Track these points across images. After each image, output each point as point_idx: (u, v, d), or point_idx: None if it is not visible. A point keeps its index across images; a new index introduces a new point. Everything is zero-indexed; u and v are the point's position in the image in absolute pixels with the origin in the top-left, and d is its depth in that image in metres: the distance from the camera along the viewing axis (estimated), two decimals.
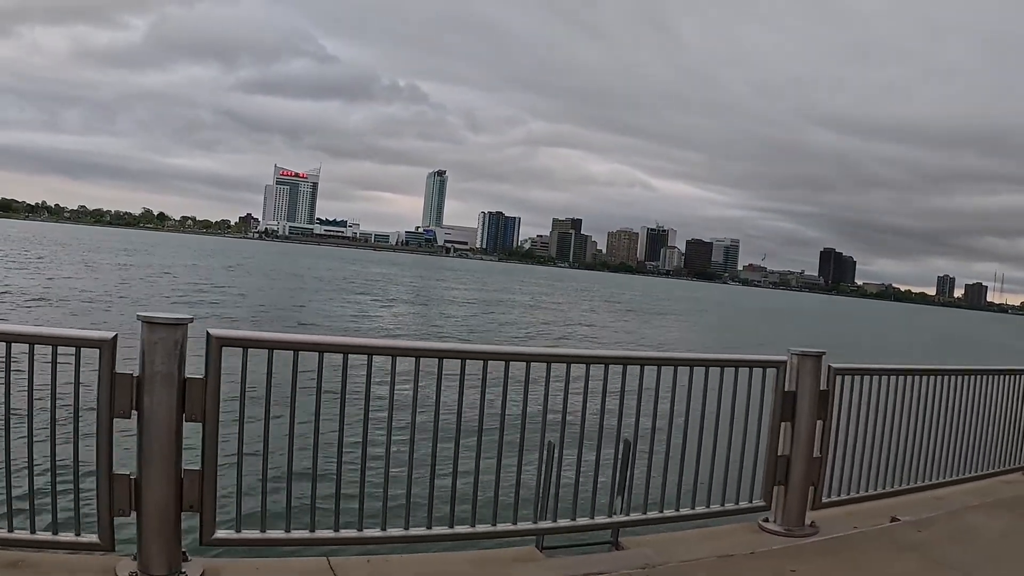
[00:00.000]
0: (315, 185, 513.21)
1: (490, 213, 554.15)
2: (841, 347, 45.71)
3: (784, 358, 6.85)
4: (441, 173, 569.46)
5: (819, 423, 6.94)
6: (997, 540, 7.02)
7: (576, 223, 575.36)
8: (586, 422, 6.06)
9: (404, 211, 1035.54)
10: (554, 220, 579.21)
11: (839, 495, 7.36)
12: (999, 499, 8.23)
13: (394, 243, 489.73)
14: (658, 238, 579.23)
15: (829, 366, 7.00)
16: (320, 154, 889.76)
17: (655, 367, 6.45)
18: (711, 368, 6.67)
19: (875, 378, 7.50)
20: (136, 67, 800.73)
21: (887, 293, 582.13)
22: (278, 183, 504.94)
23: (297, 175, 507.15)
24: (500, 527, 5.86)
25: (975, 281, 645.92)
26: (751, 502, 6.86)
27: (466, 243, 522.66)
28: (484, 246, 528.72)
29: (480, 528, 5.79)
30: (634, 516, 6.42)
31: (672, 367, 6.49)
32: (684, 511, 6.65)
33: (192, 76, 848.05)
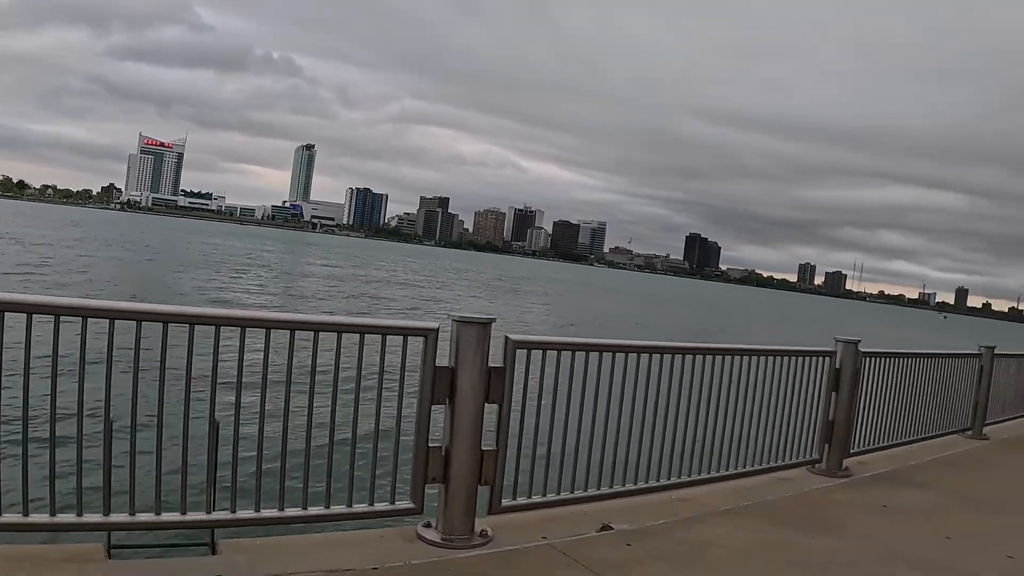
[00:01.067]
0: (181, 155, 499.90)
1: (358, 189, 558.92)
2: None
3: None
4: (310, 147, 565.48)
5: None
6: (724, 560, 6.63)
7: (444, 202, 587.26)
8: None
9: (272, 185, 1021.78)
10: (422, 198, 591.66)
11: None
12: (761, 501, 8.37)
13: (260, 217, 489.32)
14: (526, 219, 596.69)
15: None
16: (189, 125, 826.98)
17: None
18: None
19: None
20: (4, 29, 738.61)
21: (750, 278, 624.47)
22: (142, 152, 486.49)
23: (162, 144, 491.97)
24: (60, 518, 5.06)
25: (835, 269, 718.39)
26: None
27: (333, 219, 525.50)
28: (351, 222, 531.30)
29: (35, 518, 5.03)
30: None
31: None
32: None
33: (62, 40, 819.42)
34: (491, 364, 6.23)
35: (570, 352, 6.92)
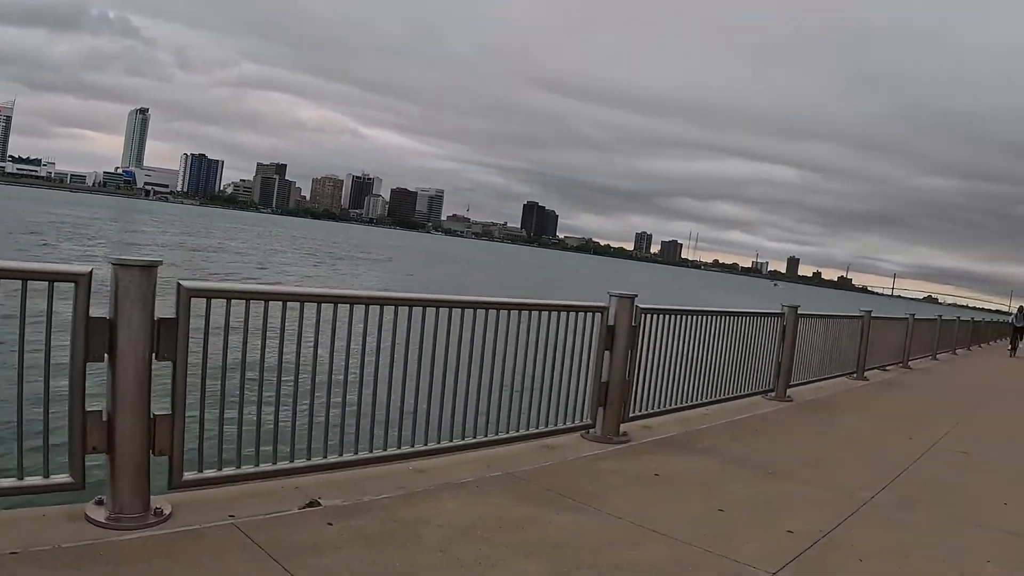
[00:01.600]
0: (8, 119, 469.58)
1: (193, 155, 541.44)
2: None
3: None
4: (143, 111, 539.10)
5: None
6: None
7: (281, 168, 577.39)
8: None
9: (105, 151, 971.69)
10: (259, 164, 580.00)
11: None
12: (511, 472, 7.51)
13: (91, 184, 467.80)
14: (364, 186, 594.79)
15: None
16: (18, 87, 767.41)
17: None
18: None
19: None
20: None
21: (587, 247, 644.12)
22: None
23: None
24: None
25: (671, 239, 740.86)
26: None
27: (167, 186, 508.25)
28: (186, 190, 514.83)
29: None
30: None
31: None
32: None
33: None
34: (163, 316, 5.29)
35: (262, 302, 5.95)
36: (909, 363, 22.97)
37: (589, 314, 8.89)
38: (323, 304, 6.33)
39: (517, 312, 8.06)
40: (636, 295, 9.22)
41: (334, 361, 6.42)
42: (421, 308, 7.06)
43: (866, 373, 18.60)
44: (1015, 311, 39.32)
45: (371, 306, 6.68)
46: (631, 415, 9.53)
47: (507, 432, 8.08)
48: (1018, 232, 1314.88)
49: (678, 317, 10.31)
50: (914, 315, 23.78)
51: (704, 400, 11.34)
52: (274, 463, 6.15)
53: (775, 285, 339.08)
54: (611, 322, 8.98)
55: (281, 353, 6.03)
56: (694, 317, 10.70)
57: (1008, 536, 7.23)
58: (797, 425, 11.76)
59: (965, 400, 17.45)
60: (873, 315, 18.73)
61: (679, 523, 6.55)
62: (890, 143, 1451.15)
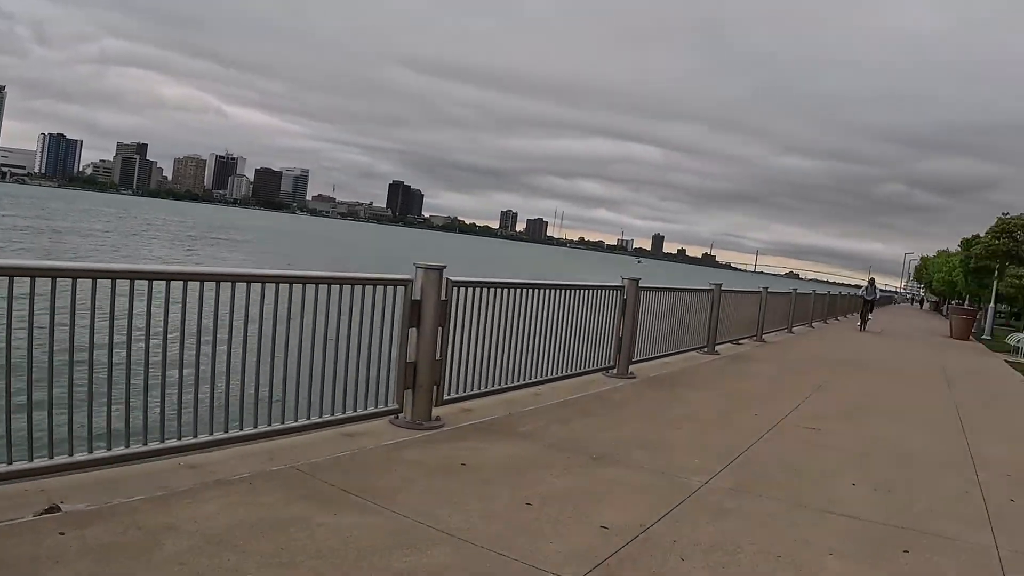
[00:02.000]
0: None
1: (51, 135, 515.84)
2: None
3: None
4: None
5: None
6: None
7: (142, 148, 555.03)
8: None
9: None
10: (119, 144, 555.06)
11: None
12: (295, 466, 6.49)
13: None
14: (227, 166, 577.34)
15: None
16: None
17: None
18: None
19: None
20: None
21: (452, 225, 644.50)
22: None
23: None
24: None
25: (537, 217, 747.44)
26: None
27: (24, 167, 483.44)
28: (43, 171, 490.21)
29: None
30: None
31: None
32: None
33: None
34: None
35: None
36: (763, 336, 23.05)
37: (393, 288, 8.03)
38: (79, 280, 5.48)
39: (315, 287, 7.21)
40: (445, 266, 8.39)
41: (94, 343, 5.57)
42: (198, 283, 6.29)
43: (717, 347, 18.21)
44: (866, 283, 38.43)
45: (137, 281, 5.88)
46: (446, 398, 8.74)
47: (305, 419, 7.27)
48: (877, 211, 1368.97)
49: (503, 291, 9.52)
50: (767, 288, 23.60)
51: (536, 379, 10.58)
52: (9, 463, 5.26)
53: (639, 262, 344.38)
54: (416, 296, 8.13)
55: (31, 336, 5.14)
56: (520, 291, 9.91)
57: (854, 523, 6.60)
58: (635, 404, 11.02)
59: (818, 373, 17.10)
60: (724, 288, 18.36)
61: (477, 521, 5.71)
62: (752, 123, 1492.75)
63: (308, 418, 7.27)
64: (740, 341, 20.74)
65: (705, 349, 17.50)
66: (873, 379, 17.57)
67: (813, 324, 32.89)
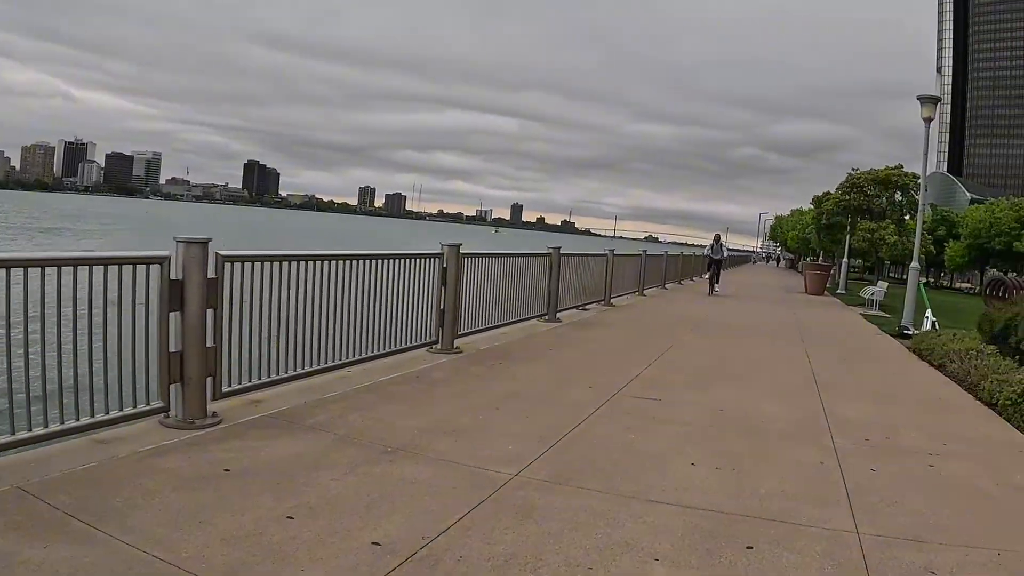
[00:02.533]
0: None
1: None
2: None
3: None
4: None
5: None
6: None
7: None
8: None
9: None
10: None
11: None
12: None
13: None
14: (77, 152, 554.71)
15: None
16: None
17: None
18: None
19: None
20: None
21: (310, 204, 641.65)
22: None
23: None
24: None
25: (395, 191, 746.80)
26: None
27: None
28: None
29: None
30: None
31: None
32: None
33: None
34: None
35: None
36: (612, 300, 22.25)
37: (146, 267, 6.76)
38: None
39: (56, 271, 6.00)
40: (210, 239, 7.22)
41: None
42: None
43: (560, 314, 17.34)
44: (711, 240, 34.81)
45: None
46: (227, 389, 7.62)
47: (43, 427, 5.97)
48: (732, 174, 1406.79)
49: (291, 264, 8.34)
50: (613, 251, 22.68)
51: (347, 360, 9.54)
52: None
53: (496, 231, 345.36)
54: (177, 275, 6.92)
55: None
56: (314, 263, 8.72)
57: (689, 515, 5.70)
58: (454, 382, 9.90)
59: (665, 337, 16.30)
60: (566, 252, 17.50)
61: (217, 546, 4.61)
62: (606, 92, 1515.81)
63: (46, 426, 5.98)
64: (587, 307, 20.08)
65: (546, 317, 16.63)
66: (724, 341, 16.96)
67: (667, 286, 32.46)
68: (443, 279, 11.64)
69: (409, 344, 11.05)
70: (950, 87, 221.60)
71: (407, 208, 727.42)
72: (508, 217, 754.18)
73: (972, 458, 7.99)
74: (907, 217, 42.77)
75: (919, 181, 42.55)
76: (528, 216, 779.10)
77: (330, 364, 9.19)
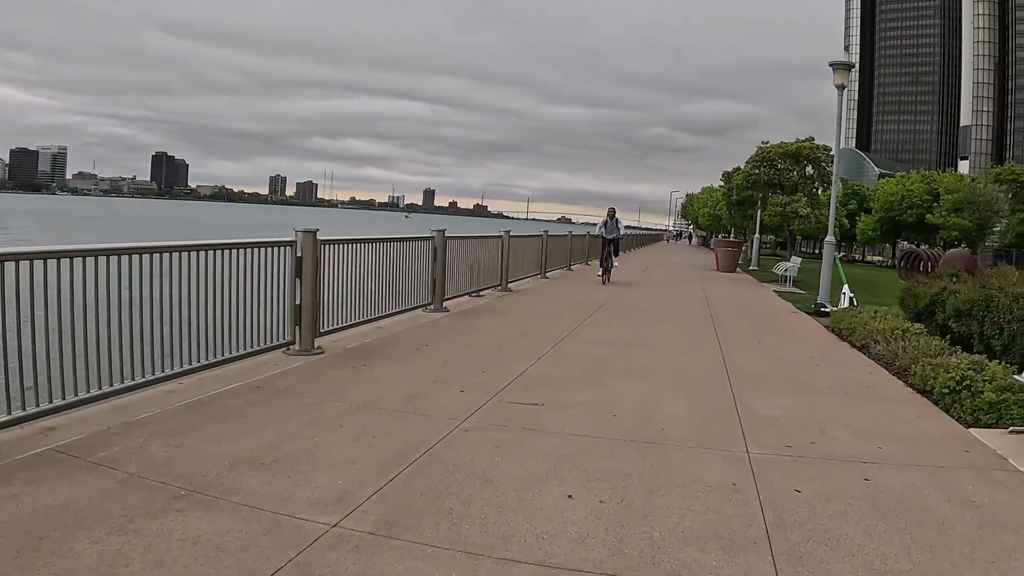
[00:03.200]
0: None
1: None
2: None
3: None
4: None
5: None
6: None
7: None
8: None
9: None
10: None
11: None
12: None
13: None
14: None
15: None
16: None
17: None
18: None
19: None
20: None
21: (221, 194, 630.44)
22: None
23: None
24: None
25: (307, 180, 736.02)
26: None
27: None
28: None
29: None
30: None
31: None
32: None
33: None
34: None
35: None
36: (509, 285, 20.93)
37: None
38: None
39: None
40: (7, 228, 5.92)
41: None
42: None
43: (449, 302, 15.89)
44: (604, 217, 28.56)
45: None
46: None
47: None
48: (642, 154, 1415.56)
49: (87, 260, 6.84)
50: (509, 232, 21.15)
51: (180, 369, 8.16)
52: None
53: (407, 217, 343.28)
54: None
55: None
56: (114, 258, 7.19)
57: None
58: (303, 391, 8.32)
59: (560, 324, 14.91)
60: (453, 235, 16.12)
61: None
62: (517, 75, 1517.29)
63: None
64: (481, 293, 18.65)
65: (431, 306, 15.09)
66: (627, 327, 15.63)
67: (572, 267, 31.04)
68: (297, 270, 10.14)
69: (262, 346, 9.59)
70: (858, 64, 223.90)
71: (319, 196, 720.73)
72: (421, 203, 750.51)
73: (914, 465, 6.73)
74: (819, 190, 42.29)
75: (831, 153, 41.88)
76: (441, 201, 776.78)
77: (154, 377, 7.70)
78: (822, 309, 19.51)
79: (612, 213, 28.15)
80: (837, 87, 21.12)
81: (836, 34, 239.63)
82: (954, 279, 14.23)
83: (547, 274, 25.82)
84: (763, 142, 43.91)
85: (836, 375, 11.00)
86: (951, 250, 43.77)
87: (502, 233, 20.53)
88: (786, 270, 30.94)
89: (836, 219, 33.95)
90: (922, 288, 14.57)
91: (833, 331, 15.62)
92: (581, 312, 16.98)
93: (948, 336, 12.47)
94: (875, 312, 15.40)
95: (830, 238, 21.40)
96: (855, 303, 19.63)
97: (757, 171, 42.74)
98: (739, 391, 9.32)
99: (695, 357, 11.97)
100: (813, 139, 41.12)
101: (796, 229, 45.46)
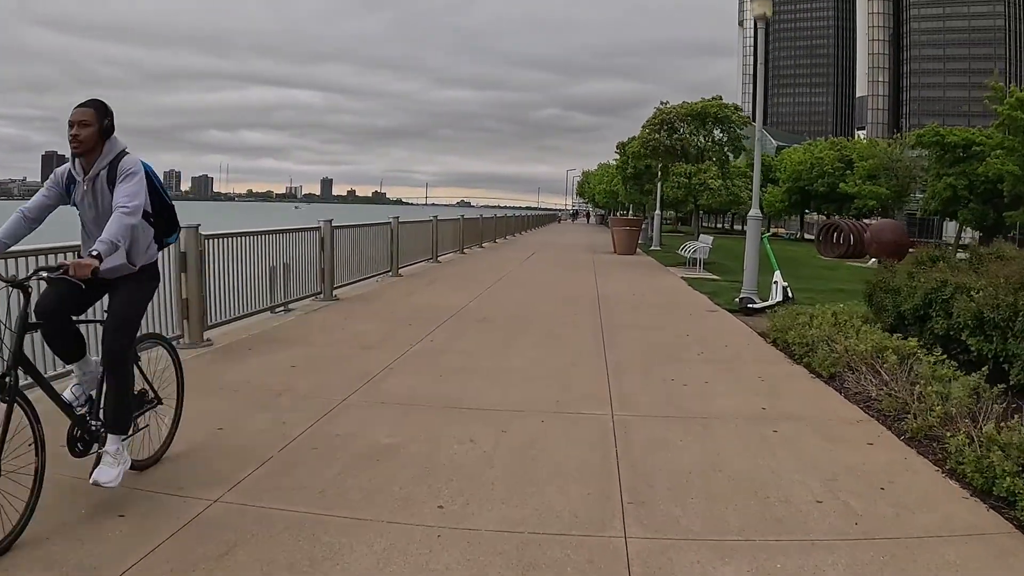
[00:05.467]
0: None
1: None
2: None
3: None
4: None
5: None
6: None
7: None
8: None
9: None
10: None
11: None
12: None
13: None
14: None
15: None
16: None
17: None
18: None
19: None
20: None
21: None
22: None
23: None
24: None
25: (202, 173, 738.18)
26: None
27: None
28: None
29: None
30: None
31: None
32: None
33: None
34: None
35: None
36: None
37: None
38: None
39: None
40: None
41: None
42: None
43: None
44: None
45: None
46: None
47: None
48: (537, 135, 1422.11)
49: None
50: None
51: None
52: None
53: (296, 208, 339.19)
54: None
55: None
56: None
57: None
58: None
59: (394, 341, 10.66)
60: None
61: None
62: (402, 60, 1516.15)
63: None
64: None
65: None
66: (483, 341, 11.12)
67: (439, 259, 26.34)
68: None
69: None
70: (752, 41, 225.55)
71: (215, 190, 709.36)
72: (319, 192, 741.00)
73: None
74: (730, 158, 37.20)
75: (742, 113, 36.97)
76: (338, 189, 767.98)
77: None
78: (749, 305, 14.77)
79: None
80: (757, 18, 16.45)
81: (729, 9, 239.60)
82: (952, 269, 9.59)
83: (400, 271, 20.90)
84: (662, 102, 37.72)
85: (808, 454, 6.20)
86: (880, 220, 39.14)
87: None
88: (694, 251, 25.95)
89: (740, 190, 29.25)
90: (904, 281, 9.83)
91: (776, 344, 10.91)
92: (426, 320, 12.42)
93: (953, 353, 8.15)
94: (834, 315, 10.80)
95: (755, 212, 16.25)
96: (791, 295, 15.03)
97: (655, 136, 36.70)
98: (627, 476, 5.55)
99: (563, 394, 7.86)
100: (721, 97, 35.82)
101: (704, 203, 40.26)
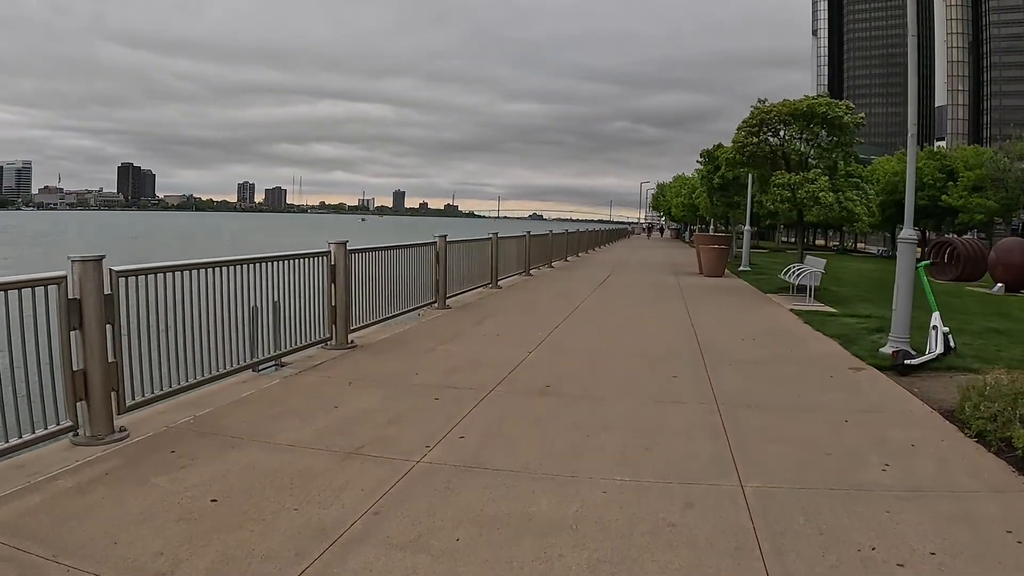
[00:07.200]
0: None
1: None
2: None
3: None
4: None
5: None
6: None
7: None
8: None
9: None
10: None
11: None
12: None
13: None
14: None
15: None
16: None
17: None
18: None
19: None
20: None
21: (188, 204, 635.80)
22: None
23: None
24: None
25: (275, 186, 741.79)
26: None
27: None
28: None
29: None
30: None
31: None
32: None
33: None
34: None
35: None
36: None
37: None
38: None
39: None
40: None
41: None
42: None
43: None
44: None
45: None
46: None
47: None
48: (603, 148, 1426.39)
49: None
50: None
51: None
52: None
53: (362, 220, 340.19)
54: None
55: None
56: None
57: None
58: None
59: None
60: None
61: None
62: (471, 73, 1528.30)
63: None
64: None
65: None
66: (551, 423, 7.54)
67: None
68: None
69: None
70: (826, 51, 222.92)
71: (288, 202, 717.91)
72: (391, 204, 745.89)
73: None
74: (841, 165, 31.27)
75: (859, 115, 31.67)
76: (411, 202, 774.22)
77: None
78: (907, 361, 10.78)
79: None
80: None
81: (800, 20, 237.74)
82: None
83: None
84: (760, 100, 32.34)
85: None
86: (1009, 238, 33.71)
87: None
88: (801, 276, 21.44)
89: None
90: None
91: (985, 441, 7.05)
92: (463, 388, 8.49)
93: None
94: None
95: (908, 232, 12.32)
96: (952, 345, 11.38)
97: (752, 140, 31.58)
98: None
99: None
100: (828, 95, 30.84)
101: (811, 219, 33.94)
